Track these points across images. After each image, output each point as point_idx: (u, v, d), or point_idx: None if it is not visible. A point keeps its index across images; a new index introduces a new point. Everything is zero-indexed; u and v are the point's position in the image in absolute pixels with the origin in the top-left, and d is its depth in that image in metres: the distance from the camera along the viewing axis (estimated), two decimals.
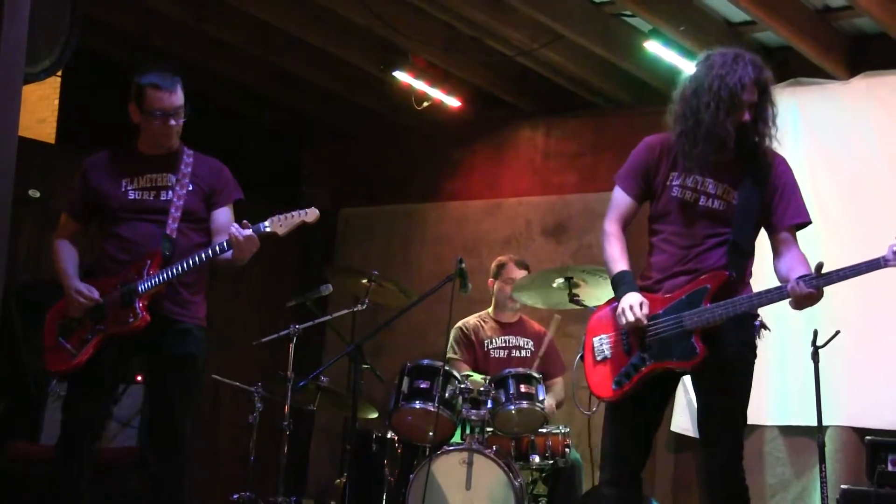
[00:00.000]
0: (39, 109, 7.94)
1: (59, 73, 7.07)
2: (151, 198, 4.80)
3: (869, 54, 6.76)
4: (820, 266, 3.92)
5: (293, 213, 4.74)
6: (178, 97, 4.76)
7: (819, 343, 5.41)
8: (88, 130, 7.58)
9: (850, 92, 6.70)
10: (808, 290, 3.89)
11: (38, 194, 7.27)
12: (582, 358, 4.39)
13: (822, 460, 5.38)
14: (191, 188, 4.83)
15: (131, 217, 4.79)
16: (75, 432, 4.73)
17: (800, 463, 6.58)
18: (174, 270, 4.66)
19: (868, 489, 5.02)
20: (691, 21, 6.52)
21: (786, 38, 6.43)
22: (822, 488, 5.33)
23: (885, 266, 3.86)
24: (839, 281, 3.91)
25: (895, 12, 6.19)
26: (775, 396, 6.47)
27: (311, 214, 4.77)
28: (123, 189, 4.81)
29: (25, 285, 6.87)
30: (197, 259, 4.67)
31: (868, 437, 5.30)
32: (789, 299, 3.96)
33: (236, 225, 4.65)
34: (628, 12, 6.71)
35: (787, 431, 6.64)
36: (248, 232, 4.63)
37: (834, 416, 6.22)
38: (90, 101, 7.74)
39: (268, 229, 4.68)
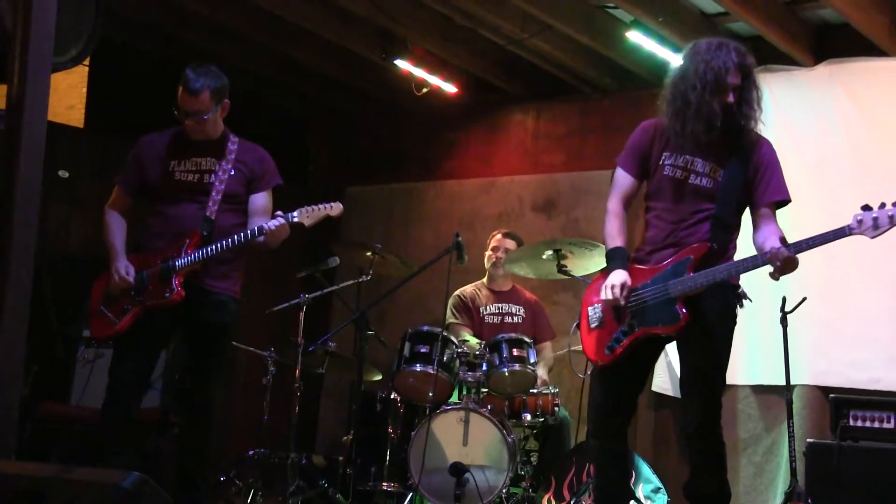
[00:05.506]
0: (69, 97, 7.90)
1: (87, 63, 7.06)
2: (195, 180, 4.81)
3: (833, 43, 6.74)
4: (783, 238, 3.96)
5: (320, 205, 4.80)
6: (199, 102, 4.72)
7: (787, 309, 5.43)
8: (114, 116, 7.57)
9: (815, 78, 6.69)
10: (787, 253, 3.89)
11: (66, 174, 7.27)
12: (578, 326, 4.44)
13: (790, 416, 5.42)
14: (233, 173, 4.83)
15: (176, 196, 4.81)
16: (120, 396, 4.74)
17: (770, 419, 6.60)
18: (210, 250, 4.69)
19: (832, 442, 5.06)
20: (669, 12, 6.50)
21: (756, 27, 6.42)
22: (789, 442, 5.38)
23: (850, 234, 3.88)
24: (809, 248, 3.93)
25: (857, 3, 6.18)
26: (747, 358, 6.48)
27: (336, 209, 4.85)
28: (171, 170, 4.83)
29: (54, 257, 6.87)
30: (231, 241, 4.69)
31: (832, 395, 5.33)
32: (769, 267, 3.97)
33: (271, 220, 4.71)
34: (611, 4, 6.69)
35: (758, 390, 6.65)
36: (279, 221, 4.69)
37: (801, 376, 6.24)
38: (116, 88, 7.72)
39: (296, 219, 4.74)
